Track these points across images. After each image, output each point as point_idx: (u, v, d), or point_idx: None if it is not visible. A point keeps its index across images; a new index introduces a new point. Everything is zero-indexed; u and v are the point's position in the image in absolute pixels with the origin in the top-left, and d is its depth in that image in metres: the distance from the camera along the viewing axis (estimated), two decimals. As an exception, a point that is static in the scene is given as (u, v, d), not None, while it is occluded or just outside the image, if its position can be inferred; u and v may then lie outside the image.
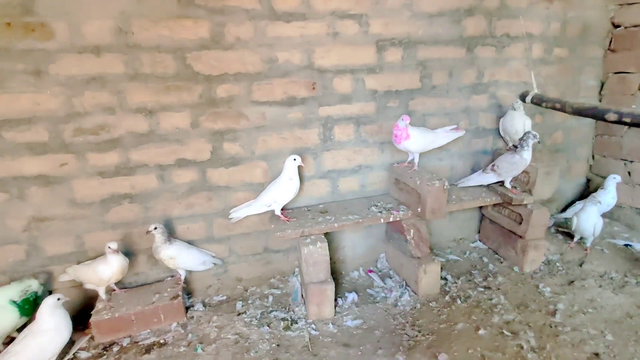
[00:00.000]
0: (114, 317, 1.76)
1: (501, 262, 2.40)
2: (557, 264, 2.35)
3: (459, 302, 2.03)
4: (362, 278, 2.30)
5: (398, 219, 2.08)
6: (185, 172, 2.00)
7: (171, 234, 1.99)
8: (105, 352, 1.71)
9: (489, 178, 2.29)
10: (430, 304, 2.02)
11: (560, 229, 2.70)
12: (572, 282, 2.17)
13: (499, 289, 2.13)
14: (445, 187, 1.98)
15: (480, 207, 2.62)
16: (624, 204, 2.72)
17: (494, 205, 2.46)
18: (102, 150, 1.84)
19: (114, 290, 1.91)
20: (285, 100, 2.07)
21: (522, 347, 1.71)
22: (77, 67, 1.72)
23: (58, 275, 1.86)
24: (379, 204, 2.19)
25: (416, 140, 2.07)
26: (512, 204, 2.22)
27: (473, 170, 2.51)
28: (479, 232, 2.70)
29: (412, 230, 2.10)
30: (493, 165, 2.25)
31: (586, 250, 2.42)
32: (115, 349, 1.73)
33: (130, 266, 1.96)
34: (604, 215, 2.38)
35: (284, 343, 1.76)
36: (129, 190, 1.94)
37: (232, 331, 1.83)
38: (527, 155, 2.12)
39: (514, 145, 2.22)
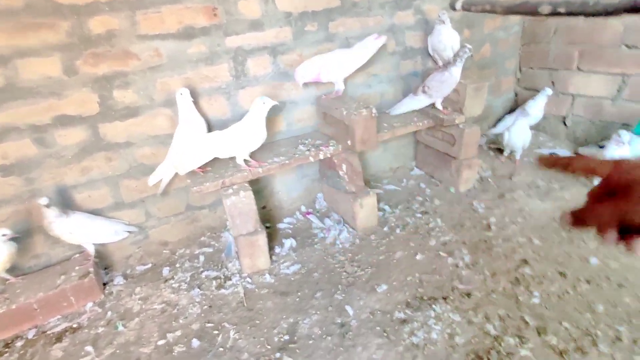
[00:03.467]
0: (10, 310, 1.50)
1: (437, 186, 2.39)
2: (490, 179, 2.38)
3: (397, 231, 2.00)
4: (301, 222, 2.19)
5: (328, 155, 1.94)
6: (70, 131, 1.66)
7: (69, 205, 1.70)
8: (7, 350, 1.48)
9: (421, 101, 2.17)
10: (370, 238, 1.97)
11: (491, 146, 2.72)
12: (503, 195, 2.22)
13: (436, 212, 2.13)
14: (373, 114, 1.84)
15: (415, 133, 2.55)
16: (548, 113, 2.77)
17: (428, 129, 2.39)
18: (-55, 114, 1.45)
19: (8, 279, 1.63)
20: (182, 32, 1.73)
21: (457, 266, 1.73)
22: None
23: None
24: (307, 141, 2.01)
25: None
26: (444, 125, 2.15)
27: (404, 96, 2.38)
28: (415, 159, 2.66)
29: (344, 165, 1.97)
30: (423, 87, 2.12)
31: (515, 162, 2.48)
32: (19, 343, 1.50)
33: (26, 249, 1.68)
34: (530, 128, 2.41)
35: (217, 303, 1.63)
36: (1, 161, 1.58)
37: (159, 300, 1.66)
38: (456, 72, 2.00)
39: (443, 64, 2.09)
